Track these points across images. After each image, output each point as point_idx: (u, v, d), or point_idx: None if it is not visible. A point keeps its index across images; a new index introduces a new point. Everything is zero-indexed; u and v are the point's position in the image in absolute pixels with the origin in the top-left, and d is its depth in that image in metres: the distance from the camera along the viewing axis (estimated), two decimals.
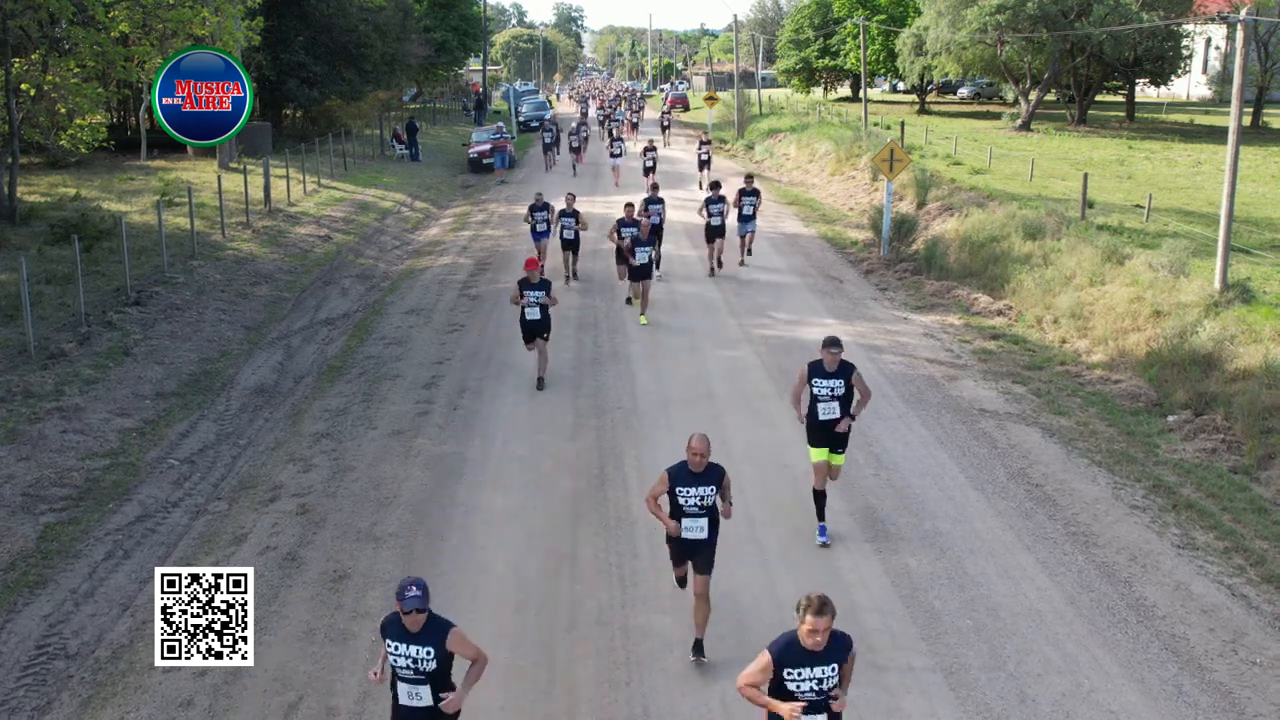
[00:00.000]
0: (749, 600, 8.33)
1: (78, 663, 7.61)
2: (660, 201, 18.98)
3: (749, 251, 20.83)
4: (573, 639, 7.84)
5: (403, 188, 32.28)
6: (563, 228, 18.07)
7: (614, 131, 39.27)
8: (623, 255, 16.63)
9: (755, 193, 20.40)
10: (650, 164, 29.54)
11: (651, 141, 31.58)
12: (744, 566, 8.85)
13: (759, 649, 7.55)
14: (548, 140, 36.93)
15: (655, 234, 17.89)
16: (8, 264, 16.72)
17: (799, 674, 5.15)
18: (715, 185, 19.83)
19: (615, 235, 16.63)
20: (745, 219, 20.17)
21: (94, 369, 13.46)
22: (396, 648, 5.54)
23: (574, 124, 38.36)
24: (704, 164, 30.68)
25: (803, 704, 5.11)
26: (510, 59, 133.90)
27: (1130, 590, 8.48)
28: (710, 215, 19.07)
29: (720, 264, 19.85)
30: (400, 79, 49.95)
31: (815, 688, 5.17)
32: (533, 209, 18.64)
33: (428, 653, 5.52)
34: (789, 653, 5.18)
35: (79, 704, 7.15)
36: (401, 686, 5.64)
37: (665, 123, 48.44)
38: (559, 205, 18.30)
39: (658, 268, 18.36)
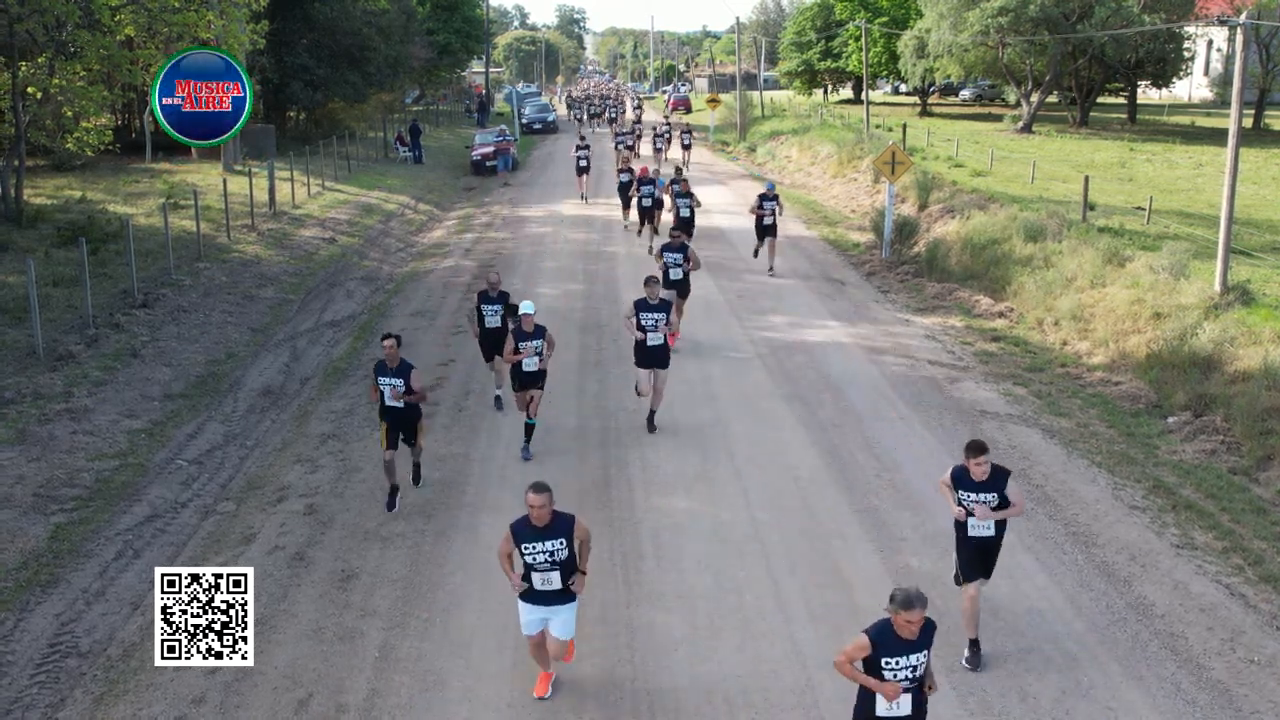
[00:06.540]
0: (752, 600, 8.42)
1: (90, 660, 7.71)
2: None
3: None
4: (577, 637, 7.92)
5: (406, 190, 32.38)
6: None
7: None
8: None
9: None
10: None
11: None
12: (747, 567, 8.95)
13: (761, 647, 7.66)
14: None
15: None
16: (15, 266, 16.83)
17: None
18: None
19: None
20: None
21: (102, 371, 13.57)
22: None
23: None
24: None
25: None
26: (512, 61, 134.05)
27: (1129, 589, 8.57)
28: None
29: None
30: (403, 81, 50.11)
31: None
32: None
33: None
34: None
35: (92, 701, 7.25)
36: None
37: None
38: None
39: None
